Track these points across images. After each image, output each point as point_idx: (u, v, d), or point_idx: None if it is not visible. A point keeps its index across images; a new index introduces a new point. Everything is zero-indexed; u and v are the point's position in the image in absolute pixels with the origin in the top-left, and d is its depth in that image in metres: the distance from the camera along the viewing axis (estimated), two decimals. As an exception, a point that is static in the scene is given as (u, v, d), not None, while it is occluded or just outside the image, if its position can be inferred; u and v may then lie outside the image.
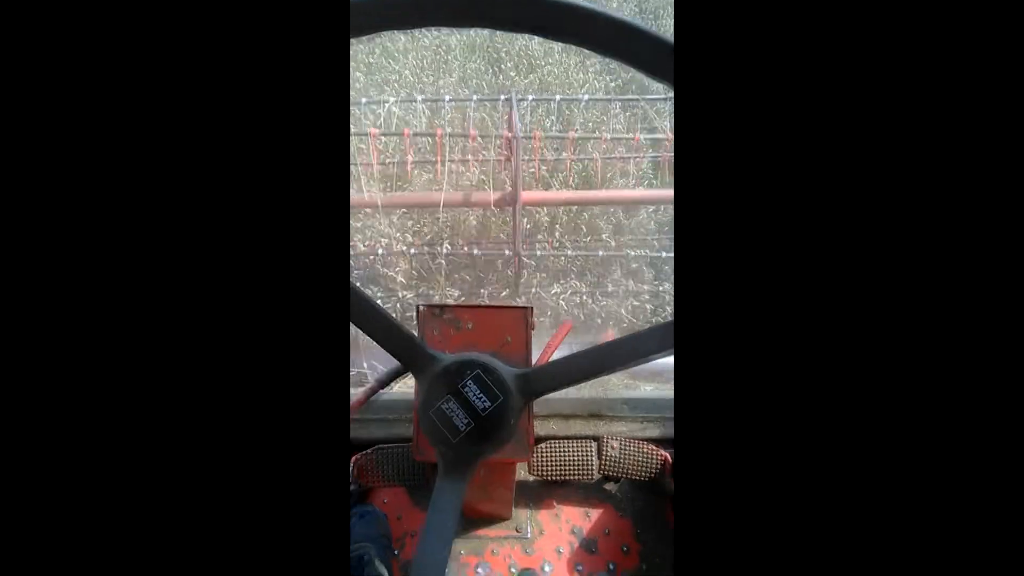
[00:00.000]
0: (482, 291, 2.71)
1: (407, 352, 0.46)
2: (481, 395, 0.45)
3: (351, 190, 2.65)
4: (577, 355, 0.44)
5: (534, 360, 0.56)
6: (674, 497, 0.53)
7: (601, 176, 2.80)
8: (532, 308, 0.57)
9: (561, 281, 2.66)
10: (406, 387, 0.80)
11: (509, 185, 2.48)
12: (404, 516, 0.82)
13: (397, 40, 4.12)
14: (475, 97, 2.81)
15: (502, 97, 2.47)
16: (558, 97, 2.68)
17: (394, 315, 0.48)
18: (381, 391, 0.72)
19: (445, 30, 4.10)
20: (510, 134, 2.40)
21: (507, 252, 2.55)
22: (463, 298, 2.73)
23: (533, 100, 2.74)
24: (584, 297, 2.64)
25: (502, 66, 3.71)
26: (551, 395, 0.48)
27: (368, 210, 2.61)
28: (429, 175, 2.83)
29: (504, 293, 2.67)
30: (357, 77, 3.71)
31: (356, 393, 0.73)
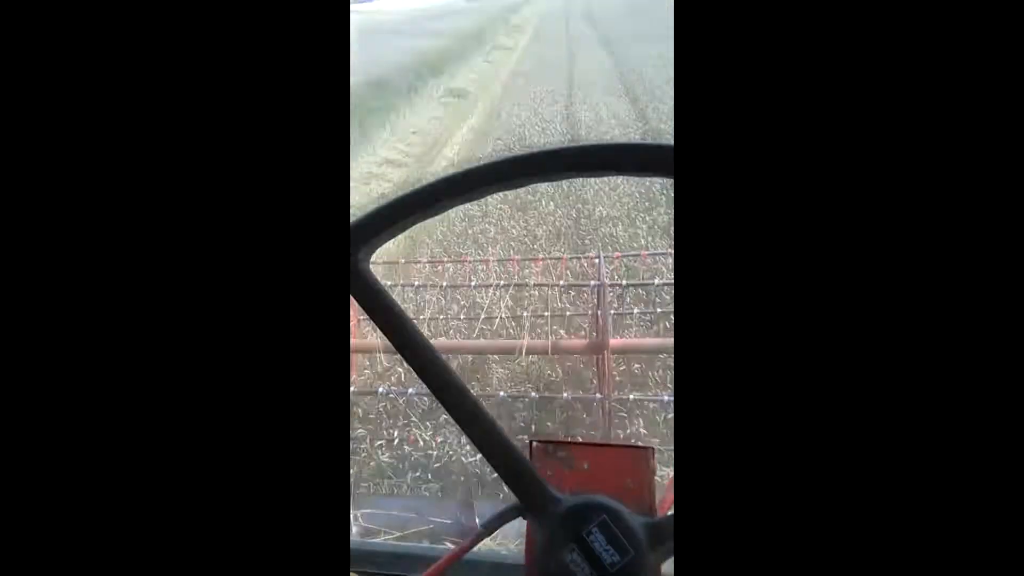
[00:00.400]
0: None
1: (527, 488, 0.43)
2: (609, 547, 0.41)
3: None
4: None
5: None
6: (675, 516, 0.43)
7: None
8: (654, 449, 0.51)
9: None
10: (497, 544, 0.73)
11: (596, 332, 2.45)
12: None
13: (488, 232, 4.34)
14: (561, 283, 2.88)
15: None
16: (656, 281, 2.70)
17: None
18: (486, 538, 0.63)
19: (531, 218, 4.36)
20: (597, 282, 2.44)
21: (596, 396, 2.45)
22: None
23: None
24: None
25: (587, 252, 3.77)
26: None
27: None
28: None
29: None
30: (447, 267, 3.88)
31: (461, 541, 0.65)
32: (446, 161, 7.09)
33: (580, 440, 0.54)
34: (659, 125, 6.41)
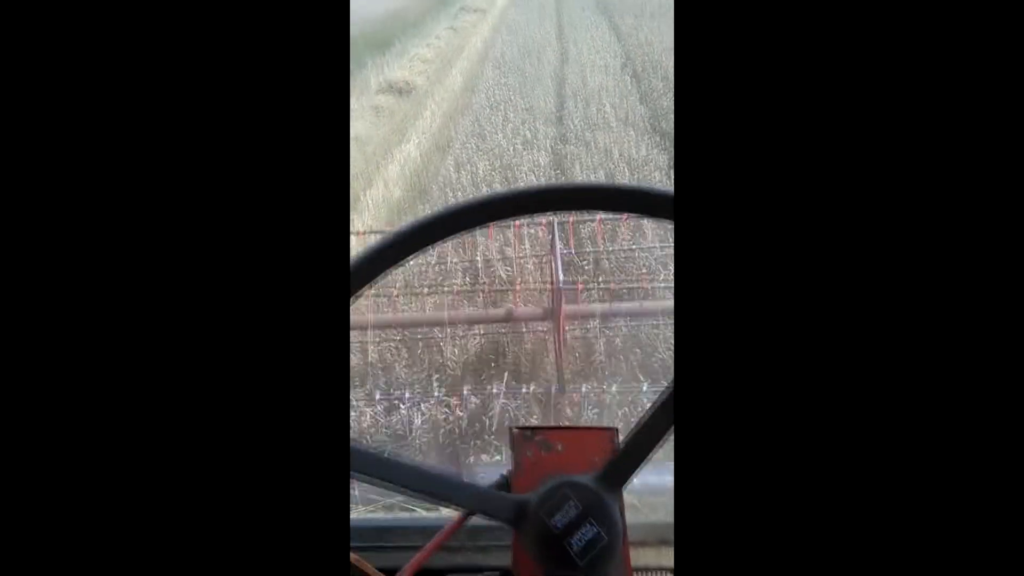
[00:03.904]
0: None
1: (486, 502, 0.50)
2: (585, 532, 0.47)
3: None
4: (639, 426, 0.48)
5: None
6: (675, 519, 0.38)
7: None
8: (618, 429, 0.57)
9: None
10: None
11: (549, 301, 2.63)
12: None
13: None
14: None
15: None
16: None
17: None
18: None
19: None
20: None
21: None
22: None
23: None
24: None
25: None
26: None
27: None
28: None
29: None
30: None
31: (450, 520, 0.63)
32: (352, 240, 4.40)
33: (554, 425, 0.56)
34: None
